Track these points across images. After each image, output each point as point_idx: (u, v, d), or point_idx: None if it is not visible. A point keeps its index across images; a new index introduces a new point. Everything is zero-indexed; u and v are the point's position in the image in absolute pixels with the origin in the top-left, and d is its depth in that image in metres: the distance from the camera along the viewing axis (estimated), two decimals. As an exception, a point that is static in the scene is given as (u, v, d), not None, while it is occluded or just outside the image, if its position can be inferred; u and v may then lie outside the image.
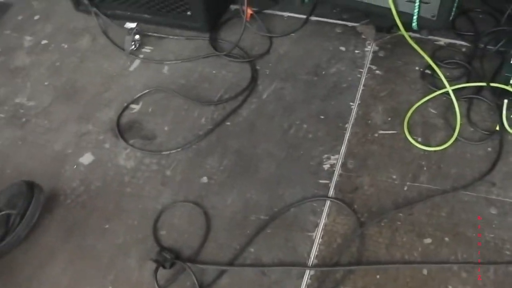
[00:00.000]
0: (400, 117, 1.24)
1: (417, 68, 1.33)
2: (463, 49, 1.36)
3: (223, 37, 1.47)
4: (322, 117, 1.26)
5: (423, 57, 1.30)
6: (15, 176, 1.18)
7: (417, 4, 1.20)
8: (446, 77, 1.25)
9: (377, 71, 1.33)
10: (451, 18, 1.25)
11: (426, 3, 1.20)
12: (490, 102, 1.23)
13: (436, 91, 1.25)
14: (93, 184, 1.18)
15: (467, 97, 1.25)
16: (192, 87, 1.35)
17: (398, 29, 1.27)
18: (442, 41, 1.37)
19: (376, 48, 1.38)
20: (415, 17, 1.22)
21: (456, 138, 1.18)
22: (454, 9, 1.22)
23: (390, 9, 1.23)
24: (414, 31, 1.31)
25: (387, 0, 1.21)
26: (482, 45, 1.35)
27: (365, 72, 1.33)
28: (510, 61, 1.19)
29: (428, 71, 1.31)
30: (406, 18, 1.24)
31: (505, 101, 1.20)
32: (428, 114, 1.24)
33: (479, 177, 1.13)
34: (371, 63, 1.34)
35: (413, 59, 1.34)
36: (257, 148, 1.22)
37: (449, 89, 1.23)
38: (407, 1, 1.21)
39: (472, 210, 1.08)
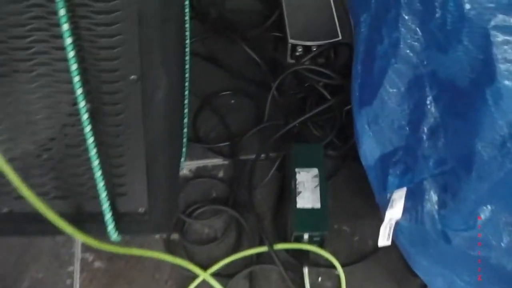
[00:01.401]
0: None
1: (157, 236, 0.81)
2: (221, 174, 0.86)
3: None
4: None
5: (162, 215, 0.79)
6: None
7: (105, 205, 0.60)
8: (199, 242, 0.77)
9: (96, 263, 0.77)
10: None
11: (122, 194, 0.62)
12: (283, 270, 0.75)
13: (196, 277, 0.75)
14: None
15: (247, 270, 0.76)
16: None
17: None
18: (186, 167, 0.86)
19: (86, 217, 0.82)
20: (110, 227, 0.62)
21: None
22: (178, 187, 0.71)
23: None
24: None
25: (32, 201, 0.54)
26: (249, 161, 0.84)
27: (78, 270, 0.77)
28: (295, 205, 0.73)
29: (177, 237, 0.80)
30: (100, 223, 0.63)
31: (305, 268, 0.74)
32: (195, 325, 0.74)
33: None
34: (84, 250, 0.78)
35: (149, 222, 0.81)
36: None
37: (204, 276, 0.74)
38: (92, 197, 0.60)
39: None
